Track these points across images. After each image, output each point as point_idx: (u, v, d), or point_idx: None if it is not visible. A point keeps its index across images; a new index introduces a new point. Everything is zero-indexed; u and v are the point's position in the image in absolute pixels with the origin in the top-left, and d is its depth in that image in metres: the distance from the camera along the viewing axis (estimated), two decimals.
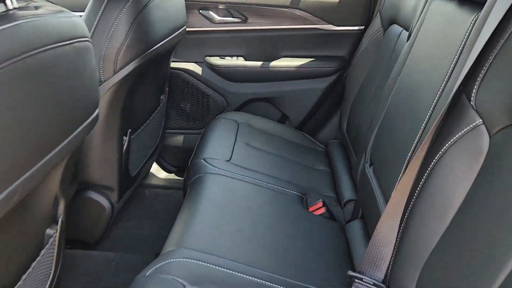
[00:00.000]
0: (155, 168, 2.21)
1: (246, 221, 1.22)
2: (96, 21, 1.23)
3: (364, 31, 1.94)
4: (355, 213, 1.41)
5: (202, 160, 1.49)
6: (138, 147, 1.60)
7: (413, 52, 1.14)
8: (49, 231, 0.93)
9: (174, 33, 1.59)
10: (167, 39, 1.52)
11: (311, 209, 1.42)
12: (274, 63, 1.98)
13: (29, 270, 0.84)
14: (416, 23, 1.24)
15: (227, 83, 2.03)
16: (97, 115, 0.93)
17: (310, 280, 1.06)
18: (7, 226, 0.74)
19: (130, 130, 1.45)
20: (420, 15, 1.23)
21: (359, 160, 1.47)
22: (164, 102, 1.86)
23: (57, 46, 0.68)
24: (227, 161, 1.52)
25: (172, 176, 2.23)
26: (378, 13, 1.76)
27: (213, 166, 1.45)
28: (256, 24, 1.96)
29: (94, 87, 0.87)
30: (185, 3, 1.90)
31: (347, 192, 1.50)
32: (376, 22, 1.76)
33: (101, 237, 1.55)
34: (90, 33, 1.23)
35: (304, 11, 1.91)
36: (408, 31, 1.40)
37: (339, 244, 1.29)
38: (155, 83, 1.72)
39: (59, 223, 0.95)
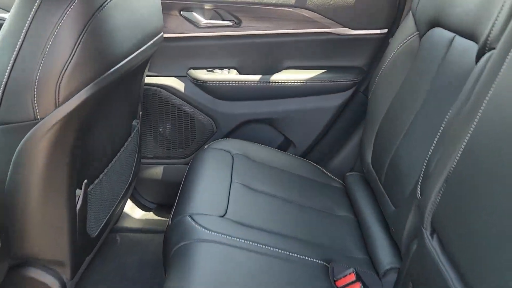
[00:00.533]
0: (129, 206, 1.80)
1: None
2: (24, 30, 0.82)
3: (387, 35, 1.56)
4: None
5: (188, 218, 1.09)
6: (101, 198, 1.19)
7: (509, 73, 0.75)
8: None
9: (147, 43, 1.19)
10: (138, 51, 1.12)
11: (339, 283, 1.03)
12: (275, 77, 1.59)
13: None
14: (499, 30, 0.86)
15: (216, 101, 1.63)
16: None
17: None
18: None
19: (86, 180, 1.04)
20: (507, 18, 0.84)
21: (401, 212, 1.08)
22: (137, 129, 1.46)
23: None
24: (222, 216, 1.12)
25: (151, 215, 1.81)
26: (411, 12, 1.38)
27: (203, 227, 1.05)
28: (252, 28, 1.56)
29: None
30: (162, 3, 1.50)
31: (386, 256, 1.11)
32: (408, 24, 1.37)
33: None
34: (16, 48, 0.82)
35: (313, 11, 1.52)
36: (471, 39, 1.02)
37: None
38: (124, 107, 1.31)
39: None
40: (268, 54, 1.60)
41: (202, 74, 1.60)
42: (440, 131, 0.96)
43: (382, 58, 1.45)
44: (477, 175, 0.76)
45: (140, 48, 1.13)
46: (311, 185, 1.45)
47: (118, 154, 1.29)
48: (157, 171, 1.76)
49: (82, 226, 1.07)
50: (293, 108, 1.64)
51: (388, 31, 1.55)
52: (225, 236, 1.03)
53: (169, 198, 1.63)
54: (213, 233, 1.03)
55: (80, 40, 0.84)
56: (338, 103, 1.63)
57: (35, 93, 0.83)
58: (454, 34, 1.11)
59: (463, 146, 0.83)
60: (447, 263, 0.81)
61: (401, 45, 1.37)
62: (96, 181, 1.12)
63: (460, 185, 0.81)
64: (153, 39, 1.24)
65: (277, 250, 1.04)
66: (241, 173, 1.35)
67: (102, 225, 1.23)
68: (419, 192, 0.98)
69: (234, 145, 1.51)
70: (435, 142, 0.97)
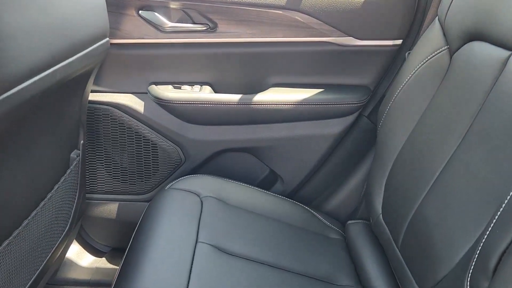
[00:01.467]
0: (75, 251, 1.45)
1: None
2: None
3: (402, 47, 1.24)
4: None
5: None
6: (12, 266, 0.85)
7: None
8: None
9: (78, 52, 0.85)
10: (58, 66, 0.78)
11: None
12: (259, 97, 1.26)
13: None
14: None
15: (185, 125, 1.30)
16: None
17: None
18: None
19: None
20: None
21: None
22: (77, 162, 1.11)
23: None
24: None
25: (103, 262, 1.47)
26: (437, 20, 1.06)
27: None
28: (230, 35, 1.23)
29: None
30: None
31: None
32: (433, 35, 1.05)
33: None
34: None
35: (309, 15, 1.19)
36: None
37: None
38: (55, 138, 0.97)
39: None
40: (251, 68, 1.27)
41: (166, 92, 1.26)
42: (506, 200, 0.64)
43: (397, 78, 1.13)
44: None
45: (63, 60, 0.79)
46: (304, 239, 1.12)
47: (42, 203, 0.95)
48: (111, 208, 1.42)
49: None
50: (281, 136, 1.31)
51: (402, 42, 1.23)
52: None
53: (126, 241, 1.30)
54: None
55: None
56: (338, 131, 1.30)
57: None
58: (510, 52, 0.79)
59: None
60: None
61: (424, 62, 1.05)
62: None
63: None
64: (89, 47, 0.90)
65: None
66: (211, 227, 1.02)
67: None
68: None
69: (204, 183, 1.18)
70: (496, 216, 0.65)
